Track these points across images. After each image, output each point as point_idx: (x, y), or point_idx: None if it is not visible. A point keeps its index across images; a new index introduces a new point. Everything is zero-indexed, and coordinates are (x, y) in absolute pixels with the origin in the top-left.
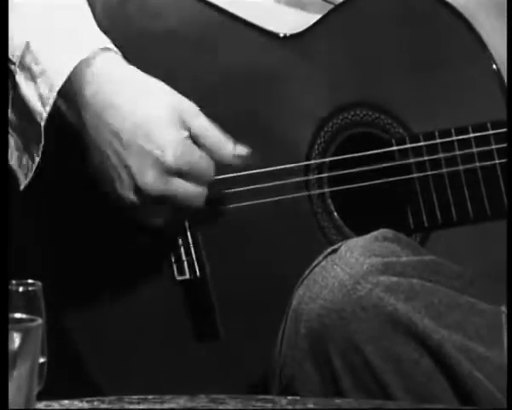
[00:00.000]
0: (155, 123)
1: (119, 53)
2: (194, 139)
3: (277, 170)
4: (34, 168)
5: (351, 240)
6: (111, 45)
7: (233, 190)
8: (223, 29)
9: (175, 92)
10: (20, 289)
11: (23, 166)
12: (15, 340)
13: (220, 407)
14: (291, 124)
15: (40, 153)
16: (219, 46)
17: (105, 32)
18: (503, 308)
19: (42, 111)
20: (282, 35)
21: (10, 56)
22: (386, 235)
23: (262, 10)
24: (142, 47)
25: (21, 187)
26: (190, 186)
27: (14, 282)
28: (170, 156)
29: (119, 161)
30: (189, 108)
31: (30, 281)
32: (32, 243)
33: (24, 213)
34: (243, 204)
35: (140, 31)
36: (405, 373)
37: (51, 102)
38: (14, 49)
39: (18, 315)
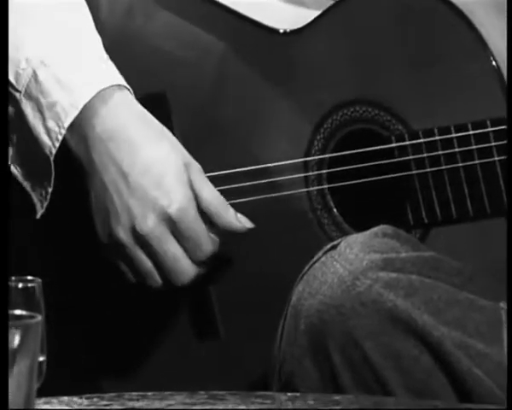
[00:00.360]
0: (166, 174)
1: (132, 92)
2: (199, 204)
3: (277, 166)
4: (48, 198)
5: (350, 236)
6: (125, 83)
7: (232, 186)
8: (223, 29)
9: (185, 151)
10: (20, 285)
11: (36, 192)
12: (15, 337)
13: (220, 404)
14: (290, 120)
15: (52, 183)
16: (219, 45)
17: (107, 49)
18: (503, 305)
19: (50, 145)
20: (281, 31)
21: (14, 82)
22: (385, 231)
23: (262, 7)
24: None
25: (38, 215)
26: (182, 257)
27: (13, 278)
28: (175, 209)
29: (120, 200)
30: (198, 171)
31: (29, 277)
32: (31, 244)
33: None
34: (242, 200)
35: (143, 47)
36: (405, 370)
37: (60, 138)
38: (20, 77)
39: (17, 312)
